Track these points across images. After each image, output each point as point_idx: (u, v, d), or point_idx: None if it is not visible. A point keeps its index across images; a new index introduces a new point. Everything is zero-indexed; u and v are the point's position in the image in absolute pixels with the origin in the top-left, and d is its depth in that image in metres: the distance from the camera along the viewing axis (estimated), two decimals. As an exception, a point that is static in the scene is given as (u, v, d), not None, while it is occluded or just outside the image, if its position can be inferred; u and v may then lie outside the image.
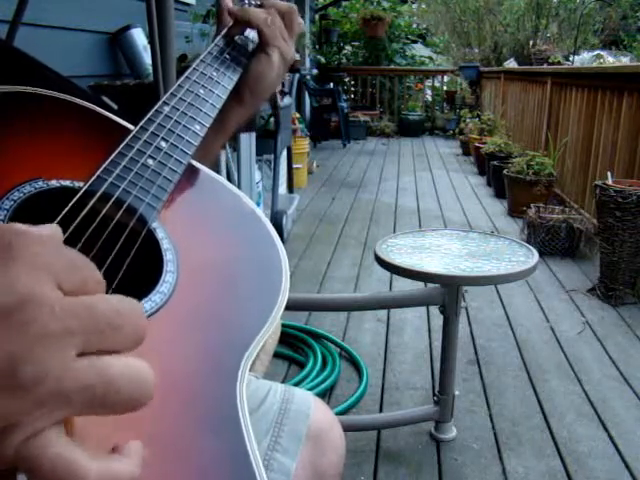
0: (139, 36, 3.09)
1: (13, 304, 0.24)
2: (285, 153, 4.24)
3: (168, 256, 0.48)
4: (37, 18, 2.26)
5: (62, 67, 0.64)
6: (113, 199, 0.45)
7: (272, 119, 3.69)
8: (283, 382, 1.91)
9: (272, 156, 3.70)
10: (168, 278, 0.46)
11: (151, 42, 1.81)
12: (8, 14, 1.80)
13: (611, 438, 1.73)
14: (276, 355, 2.09)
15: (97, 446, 0.26)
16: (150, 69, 2.62)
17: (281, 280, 0.52)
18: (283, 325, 2.22)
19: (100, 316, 0.26)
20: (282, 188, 4.21)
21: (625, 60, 7.47)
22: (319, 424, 0.69)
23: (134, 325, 0.27)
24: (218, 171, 2.77)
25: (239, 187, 3.07)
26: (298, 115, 5.51)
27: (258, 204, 3.45)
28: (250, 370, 0.45)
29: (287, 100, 3.99)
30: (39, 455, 0.24)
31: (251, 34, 0.70)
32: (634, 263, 2.68)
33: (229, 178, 3.12)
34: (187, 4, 3.86)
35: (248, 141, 3.13)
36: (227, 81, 0.63)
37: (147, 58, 2.95)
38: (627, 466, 1.61)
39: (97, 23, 2.92)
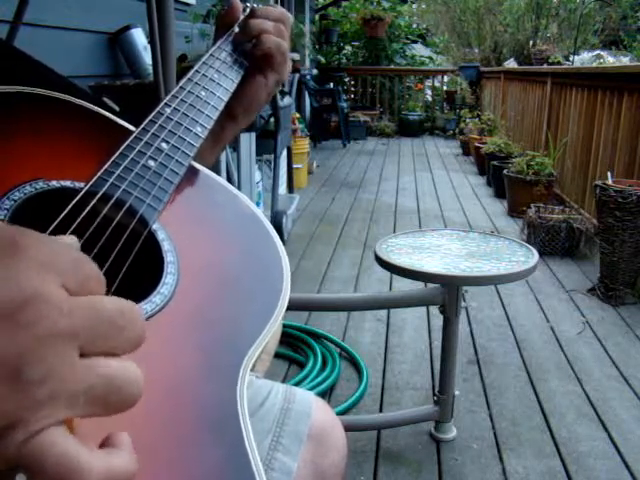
0: (139, 36, 3.09)
1: (19, 302, 0.24)
2: (285, 153, 4.24)
3: (169, 258, 0.48)
4: (37, 18, 2.26)
5: (62, 67, 0.64)
6: (114, 200, 0.45)
7: (272, 119, 3.69)
8: (283, 382, 1.91)
9: (272, 156, 3.70)
10: (169, 280, 0.46)
11: (151, 42, 1.81)
12: (8, 14, 1.80)
13: (611, 438, 1.73)
14: (276, 355, 2.09)
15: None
16: (150, 69, 2.62)
17: (282, 282, 0.52)
18: (283, 325, 2.22)
19: (105, 317, 0.26)
20: (282, 188, 4.21)
21: (625, 60, 7.47)
22: (321, 424, 0.69)
23: (135, 327, 0.27)
24: (218, 171, 2.77)
25: (239, 187, 3.07)
26: (298, 115, 5.51)
27: (258, 204, 3.45)
28: (251, 370, 0.45)
29: (287, 100, 3.99)
30: (42, 453, 0.24)
31: None
32: (634, 263, 2.68)
33: (229, 178, 3.12)
34: (187, 4, 3.86)
35: (248, 141, 3.13)
36: (229, 83, 0.63)
37: (147, 58, 2.95)
38: (627, 466, 1.61)
39: (97, 23, 2.92)
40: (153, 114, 0.54)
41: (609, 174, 2.86)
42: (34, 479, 0.24)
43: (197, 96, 0.59)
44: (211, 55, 0.64)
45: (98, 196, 0.43)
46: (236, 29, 0.69)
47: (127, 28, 3.07)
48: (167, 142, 0.52)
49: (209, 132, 0.58)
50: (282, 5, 7.07)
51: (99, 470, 0.25)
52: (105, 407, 0.26)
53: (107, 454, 0.26)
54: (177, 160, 0.52)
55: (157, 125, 0.53)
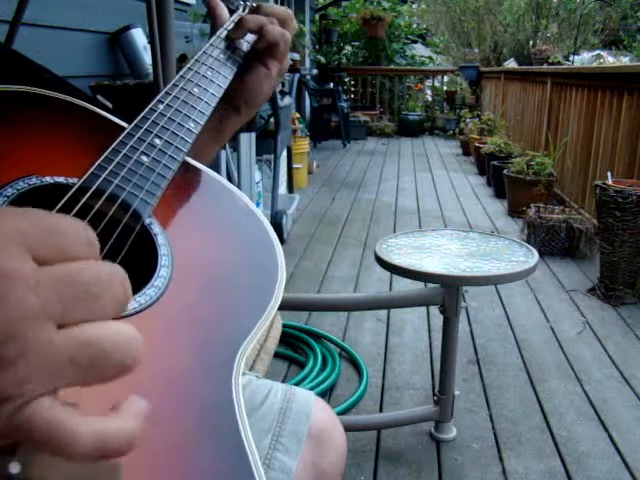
0: (139, 36, 3.09)
1: None
2: (285, 153, 4.24)
3: (163, 251, 0.48)
4: (37, 18, 2.26)
5: (62, 67, 0.64)
6: (106, 195, 0.44)
7: (272, 119, 3.69)
8: (283, 382, 1.91)
9: (272, 156, 3.70)
10: (162, 273, 0.46)
11: (151, 42, 1.81)
12: (8, 14, 1.80)
13: (611, 438, 1.73)
14: (276, 355, 2.09)
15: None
16: (150, 69, 2.62)
17: (276, 275, 0.52)
18: (283, 325, 2.21)
19: (79, 285, 0.25)
20: (282, 188, 4.21)
21: (625, 60, 7.46)
22: (321, 424, 0.69)
23: (113, 292, 0.26)
24: (218, 171, 2.77)
25: (239, 187, 3.07)
26: (298, 115, 5.51)
27: (258, 204, 3.45)
28: (251, 369, 0.45)
29: (287, 100, 3.99)
30: (31, 422, 0.23)
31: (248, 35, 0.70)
32: (634, 263, 2.67)
33: (229, 178, 3.12)
34: (187, 4, 3.86)
35: (248, 141, 3.13)
36: (222, 80, 0.64)
37: (147, 58, 2.95)
38: (627, 466, 1.61)
39: (97, 23, 2.92)
40: (146, 110, 0.54)
41: (609, 174, 2.86)
42: (27, 447, 0.24)
43: (190, 92, 0.59)
44: (204, 52, 0.65)
45: (91, 191, 0.43)
46: (231, 25, 0.69)
47: (127, 28, 3.07)
48: (160, 138, 0.53)
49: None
50: (282, 5, 7.07)
51: (87, 432, 0.24)
52: (95, 374, 0.25)
53: (101, 418, 0.25)
54: (170, 155, 0.52)
55: (150, 121, 0.53)
